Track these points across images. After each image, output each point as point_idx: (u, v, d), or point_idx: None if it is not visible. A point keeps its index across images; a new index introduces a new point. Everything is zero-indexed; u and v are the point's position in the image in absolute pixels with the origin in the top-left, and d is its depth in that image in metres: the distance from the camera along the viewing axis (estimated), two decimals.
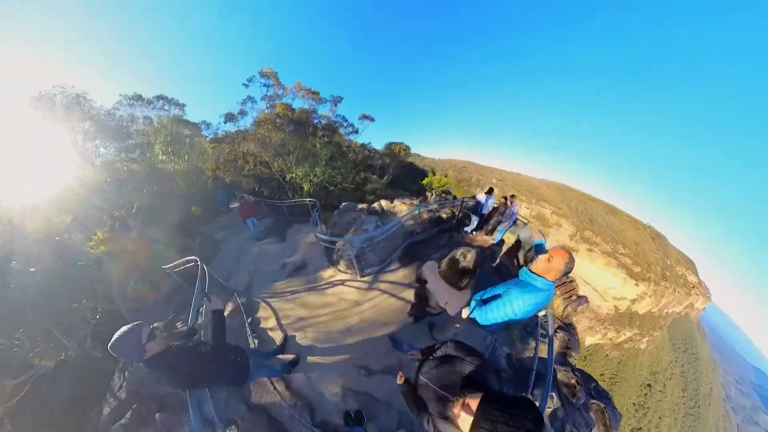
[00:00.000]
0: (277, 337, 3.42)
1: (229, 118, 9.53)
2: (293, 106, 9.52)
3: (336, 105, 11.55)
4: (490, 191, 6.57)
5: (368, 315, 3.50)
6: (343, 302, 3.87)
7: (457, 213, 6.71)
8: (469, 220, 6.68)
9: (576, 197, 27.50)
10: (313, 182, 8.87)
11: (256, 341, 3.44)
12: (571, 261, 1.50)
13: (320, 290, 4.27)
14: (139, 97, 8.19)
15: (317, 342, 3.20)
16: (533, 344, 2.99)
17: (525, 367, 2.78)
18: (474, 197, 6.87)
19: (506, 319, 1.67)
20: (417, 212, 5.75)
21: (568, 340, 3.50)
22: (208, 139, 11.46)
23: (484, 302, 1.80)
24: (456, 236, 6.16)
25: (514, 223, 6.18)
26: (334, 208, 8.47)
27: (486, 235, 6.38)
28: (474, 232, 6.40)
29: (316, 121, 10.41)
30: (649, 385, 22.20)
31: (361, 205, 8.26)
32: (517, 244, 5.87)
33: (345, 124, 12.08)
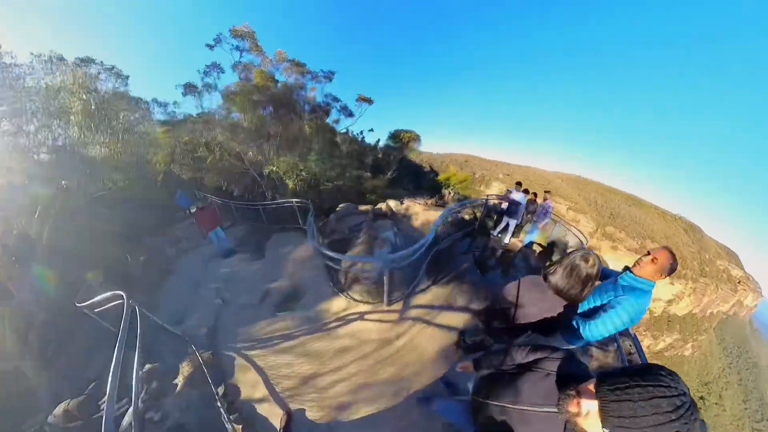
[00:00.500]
0: (273, 414, 2.60)
1: (190, 89, 8.15)
2: (275, 78, 8.33)
3: (328, 80, 10.40)
4: (519, 186, 6.62)
5: (406, 357, 3.02)
6: (366, 345, 3.22)
7: (480, 214, 6.75)
8: (498, 221, 6.74)
9: (594, 190, 27.66)
10: (300, 178, 7.73)
11: (238, 428, 2.50)
12: (675, 260, 1.71)
13: (328, 330, 3.54)
14: (60, 59, 6.59)
15: (342, 414, 2.52)
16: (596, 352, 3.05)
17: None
18: (508, 194, 6.77)
19: (616, 331, 1.74)
20: (448, 214, 5.56)
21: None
22: (160, 122, 10.02)
23: (585, 315, 1.84)
24: (477, 240, 6.18)
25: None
26: (329, 211, 7.68)
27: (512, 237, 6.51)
28: (508, 238, 6.47)
29: (302, 100, 9.24)
30: (701, 397, 21.35)
31: (363, 207, 7.70)
32: (551, 245, 5.77)
33: (338, 106, 11.06)
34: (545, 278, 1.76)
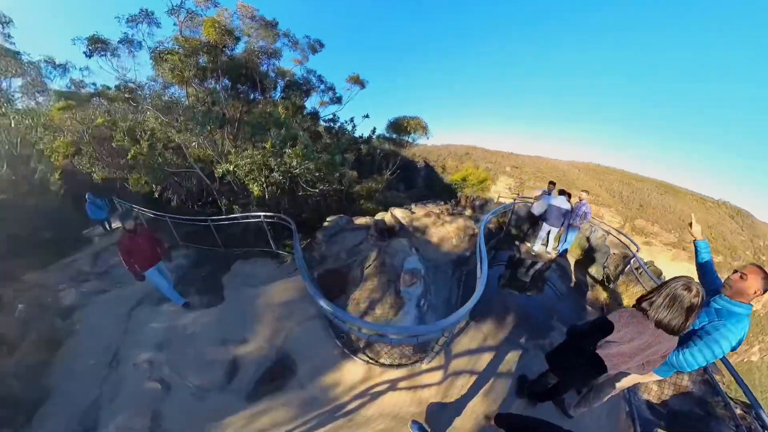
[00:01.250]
0: None
1: (98, 47, 6.46)
2: (236, 35, 6.95)
3: (312, 51, 9.22)
4: (553, 186, 6.84)
5: (463, 427, 2.79)
6: (402, 425, 2.74)
7: (506, 222, 6.91)
8: (529, 229, 6.95)
9: (617, 179, 28.18)
10: (270, 181, 6.63)
11: None
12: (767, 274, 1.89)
13: (346, 416, 2.98)
14: None
15: None
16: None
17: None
18: (544, 194, 6.86)
19: (714, 360, 1.94)
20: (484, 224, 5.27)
21: None
22: (59, 94, 8.38)
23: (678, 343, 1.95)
24: (501, 253, 6.27)
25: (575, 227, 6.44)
26: (312, 227, 6.85)
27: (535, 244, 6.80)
28: (538, 246, 6.69)
29: (273, 73, 8.03)
30: None
31: (361, 220, 6.94)
32: (589, 253, 6.02)
33: (323, 87, 10.02)
34: (643, 310, 1.86)
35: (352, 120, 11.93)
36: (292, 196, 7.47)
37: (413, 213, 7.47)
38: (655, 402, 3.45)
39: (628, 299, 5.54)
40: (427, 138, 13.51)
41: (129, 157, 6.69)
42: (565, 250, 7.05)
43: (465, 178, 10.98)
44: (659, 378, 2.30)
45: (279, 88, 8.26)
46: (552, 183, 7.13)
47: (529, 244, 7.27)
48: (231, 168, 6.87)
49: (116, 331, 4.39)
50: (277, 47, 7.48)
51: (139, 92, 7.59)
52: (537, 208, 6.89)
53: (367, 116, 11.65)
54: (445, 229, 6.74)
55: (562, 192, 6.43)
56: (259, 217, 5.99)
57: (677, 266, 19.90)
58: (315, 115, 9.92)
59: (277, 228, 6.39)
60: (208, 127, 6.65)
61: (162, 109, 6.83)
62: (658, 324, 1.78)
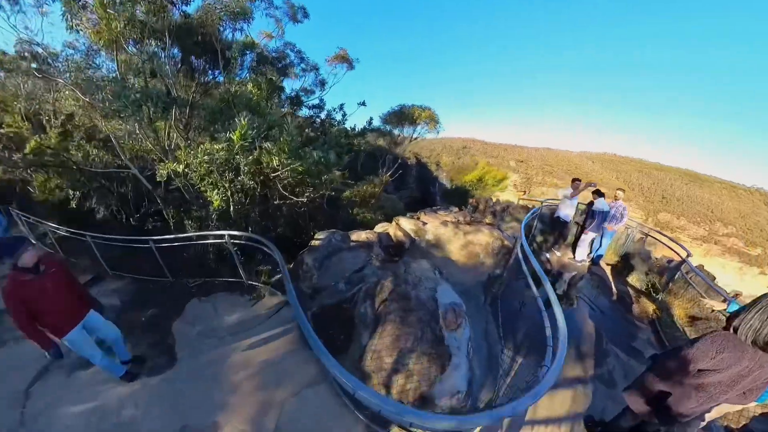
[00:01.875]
0: None
1: None
2: None
3: (293, 21, 8.52)
4: (578, 183, 6.91)
5: None
6: None
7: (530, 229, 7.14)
8: (560, 237, 7.24)
9: (636, 169, 28.84)
10: (237, 187, 5.79)
11: None
12: None
13: None
14: None
15: None
16: None
17: None
18: (570, 196, 6.94)
19: None
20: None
21: None
22: None
23: None
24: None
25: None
26: (295, 246, 6.50)
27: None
28: (581, 258, 6.79)
29: (241, 40, 7.07)
30: None
31: (361, 236, 6.39)
32: (626, 260, 6.31)
33: (303, 66, 9.18)
34: (734, 330, 1.94)
35: (341, 107, 10.99)
36: (264, 205, 6.54)
37: (424, 224, 6.88)
38: (734, 427, 3.41)
39: (680, 310, 5.55)
40: (437, 133, 13.13)
41: (28, 150, 5.52)
42: (600, 257, 7.11)
43: (481, 178, 10.56)
44: (755, 404, 2.31)
45: (246, 65, 7.35)
46: (576, 180, 7.10)
47: (558, 254, 7.25)
48: (180, 169, 5.87)
49: (6, 424, 3.30)
50: (247, 5, 6.52)
51: (52, 63, 6.42)
52: (564, 211, 7.01)
53: (363, 104, 10.80)
54: (470, 243, 6.36)
55: (598, 192, 6.53)
56: (224, 237, 5.11)
57: (709, 262, 20.33)
58: (296, 100, 8.96)
59: (247, 249, 5.49)
60: (147, 110, 5.58)
61: (81, 84, 5.72)
62: (756, 344, 1.82)
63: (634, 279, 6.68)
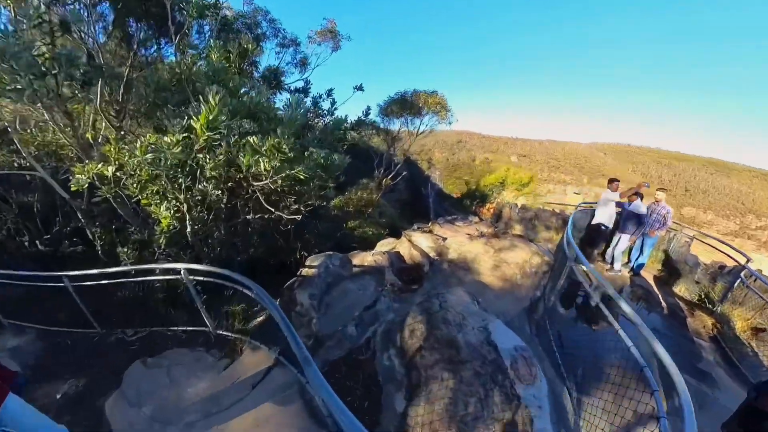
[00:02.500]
0: None
1: None
2: None
3: None
4: (614, 184, 6.88)
5: None
6: None
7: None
8: (595, 245, 7.19)
9: (654, 160, 29.02)
10: (198, 198, 4.88)
11: None
12: None
13: None
14: None
15: None
16: None
17: None
18: (608, 199, 6.90)
19: None
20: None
21: None
22: None
23: None
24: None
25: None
26: (264, 270, 6.22)
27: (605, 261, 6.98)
28: (619, 268, 6.80)
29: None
30: None
31: (365, 258, 5.93)
32: (670, 266, 6.51)
33: (280, 40, 8.44)
34: None
35: (329, 93, 9.79)
36: (231, 220, 5.58)
37: (444, 239, 6.21)
38: None
39: (741, 322, 5.38)
40: (449, 123, 12.54)
41: None
42: (641, 267, 6.97)
43: (503, 180, 10.25)
44: None
45: (206, 34, 6.36)
46: (612, 180, 6.99)
47: (591, 265, 6.92)
48: (110, 172, 4.74)
49: None
50: None
51: None
52: (604, 217, 6.78)
53: (360, 88, 9.61)
54: (503, 261, 5.74)
55: (638, 194, 6.57)
56: (179, 273, 3.97)
57: (742, 260, 20.91)
58: (275, 80, 7.84)
59: (209, 283, 4.53)
60: (56, 83, 4.40)
61: None
62: None
63: (683, 289, 6.56)
